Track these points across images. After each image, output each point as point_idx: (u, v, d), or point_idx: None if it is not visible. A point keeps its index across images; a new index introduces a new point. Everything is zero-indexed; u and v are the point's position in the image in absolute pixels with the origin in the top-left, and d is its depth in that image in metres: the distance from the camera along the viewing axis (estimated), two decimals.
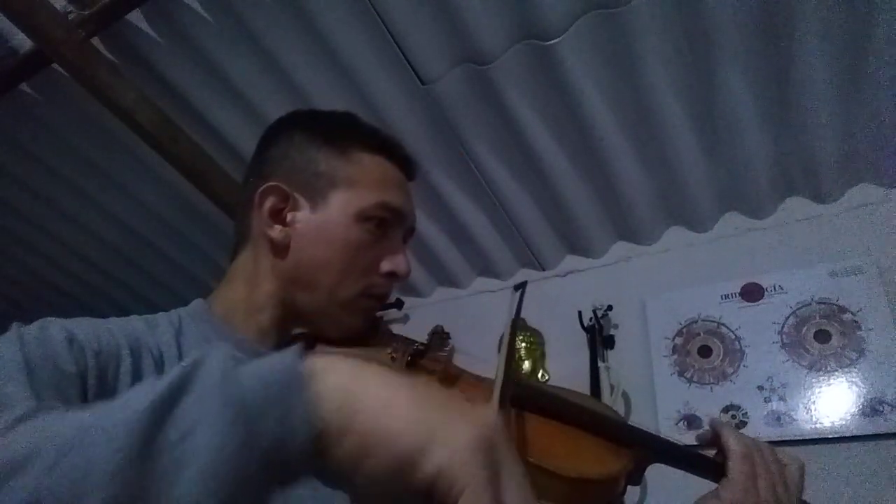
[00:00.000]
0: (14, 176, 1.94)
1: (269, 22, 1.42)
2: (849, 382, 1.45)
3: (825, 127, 1.46)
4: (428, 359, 0.69)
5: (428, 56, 1.42)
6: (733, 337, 1.63)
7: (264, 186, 0.67)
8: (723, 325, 1.65)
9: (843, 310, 1.51)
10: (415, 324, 2.17)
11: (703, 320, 1.68)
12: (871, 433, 1.39)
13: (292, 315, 0.68)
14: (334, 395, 0.35)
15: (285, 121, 0.74)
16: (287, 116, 0.75)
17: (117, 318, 0.61)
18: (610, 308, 1.80)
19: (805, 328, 1.54)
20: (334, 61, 1.47)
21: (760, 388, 1.54)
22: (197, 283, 2.32)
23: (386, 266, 0.69)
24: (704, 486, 0.64)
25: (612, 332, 1.81)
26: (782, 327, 1.57)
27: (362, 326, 0.70)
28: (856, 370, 1.45)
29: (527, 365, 1.86)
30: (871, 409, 1.41)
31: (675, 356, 1.68)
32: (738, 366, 1.59)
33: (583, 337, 1.81)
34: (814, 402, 1.47)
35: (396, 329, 0.76)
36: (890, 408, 1.39)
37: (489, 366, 0.66)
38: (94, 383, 0.51)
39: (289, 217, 0.67)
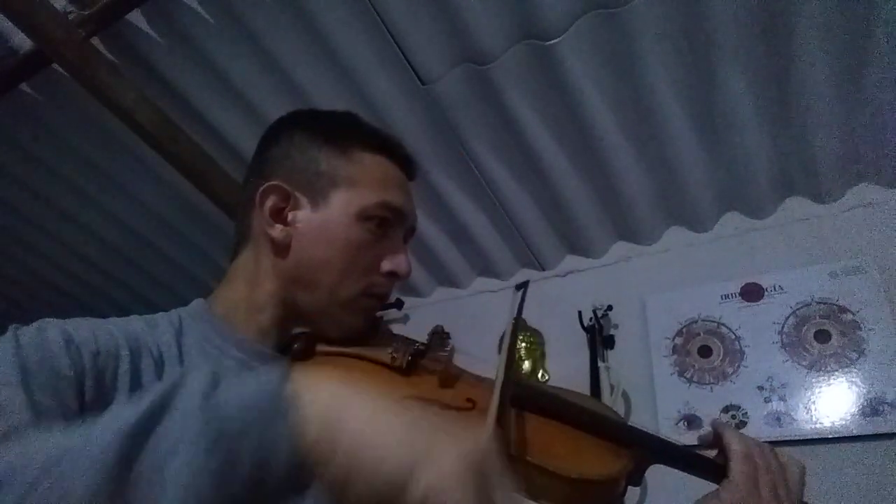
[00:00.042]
0: (14, 176, 1.94)
1: (269, 22, 1.42)
2: (849, 382, 1.45)
3: (825, 127, 1.46)
4: (429, 358, 0.69)
5: (428, 56, 1.42)
6: (733, 337, 1.63)
7: (265, 186, 0.67)
8: (723, 325, 1.65)
9: (843, 310, 1.51)
10: (415, 324, 2.18)
11: (703, 320, 1.68)
12: (871, 433, 1.40)
13: (293, 314, 0.68)
14: (318, 418, 0.35)
15: (286, 120, 0.74)
16: (288, 116, 0.75)
17: (117, 318, 0.61)
18: (610, 308, 1.80)
19: (805, 328, 1.55)
20: (334, 61, 1.47)
21: (760, 388, 1.54)
22: (197, 283, 2.32)
23: (387, 265, 0.69)
24: (704, 487, 0.64)
25: (612, 332, 1.81)
26: (782, 327, 1.57)
27: (363, 326, 0.70)
28: (856, 370, 1.45)
29: (527, 365, 1.86)
30: (871, 409, 1.41)
31: (675, 356, 1.68)
32: (738, 366, 1.59)
33: (583, 337, 1.81)
34: (814, 402, 1.47)
35: (396, 329, 0.76)
36: (890, 408, 1.39)
37: (489, 366, 0.66)
38: (91, 385, 0.51)
39: (290, 216, 0.67)
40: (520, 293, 0.73)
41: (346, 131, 0.71)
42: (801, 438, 1.46)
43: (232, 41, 1.47)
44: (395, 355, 0.66)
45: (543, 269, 2.01)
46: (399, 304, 2.18)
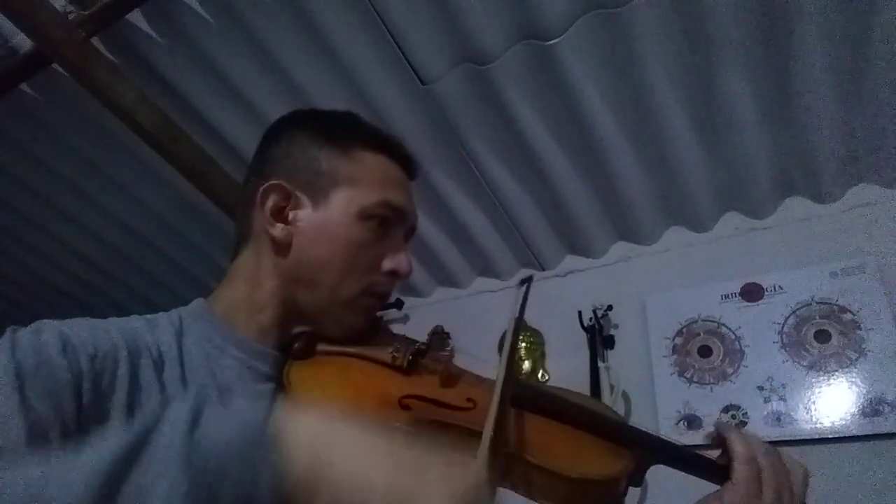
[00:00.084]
0: (14, 176, 1.94)
1: (269, 22, 1.42)
2: (849, 382, 1.45)
3: (825, 127, 1.46)
4: (430, 358, 0.69)
5: (428, 56, 1.42)
6: (733, 337, 1.63)
7: (266, 185, 0.67)
8: (723, 325, 1.65)
9: (843, 310, 1.51)
10: (415, 324, 2.18)
11: (703, 320, 1.68)
12: (871, 433, 1.40)
13: (294, 314, 0.68)
14: (302, 457, 0.35)
15: (287, 120, 0.74)
16: (288, 116, 0.75)
17: (117, 318, 0.61)
18: (610, 308, 1.80)
19: (805, 328, 1.55)
20: (334, 61, 1.47)
21: (760, 388, 1.54)
22: (197, 283, 2.32)
23: (388, 265, 0.69)
24: (705, 488, 0.64)
25: (612, 332, 1.81)
26: (782, 327, 1.57)
27: (364, 325, 0.70)
28: (856, 370, 1.45)
29: (527, 365, 1.86)
30: (871, 409, 1.41)
31: (675, 356, 1.68)
32: (738, 366, 1.59)
33: (583, 337, 1.81)
34: (814, 402, 1.47)
35: (396, 329, 0.76)
36: (890, 408, 1.39)
37: (489, 366, 0.66)
38: (88, 388, 0.50)
39: (291, 216, 0.67)
40: (523, 289, 0.72)
41: (347, 131, 0.71)
42: (801, 438, 1.46)
43: (232, 41, 1.47)
44: (396, 354, 0.66)
45: (543, 269, 2.01)
46: (399, 304, 2.19)
